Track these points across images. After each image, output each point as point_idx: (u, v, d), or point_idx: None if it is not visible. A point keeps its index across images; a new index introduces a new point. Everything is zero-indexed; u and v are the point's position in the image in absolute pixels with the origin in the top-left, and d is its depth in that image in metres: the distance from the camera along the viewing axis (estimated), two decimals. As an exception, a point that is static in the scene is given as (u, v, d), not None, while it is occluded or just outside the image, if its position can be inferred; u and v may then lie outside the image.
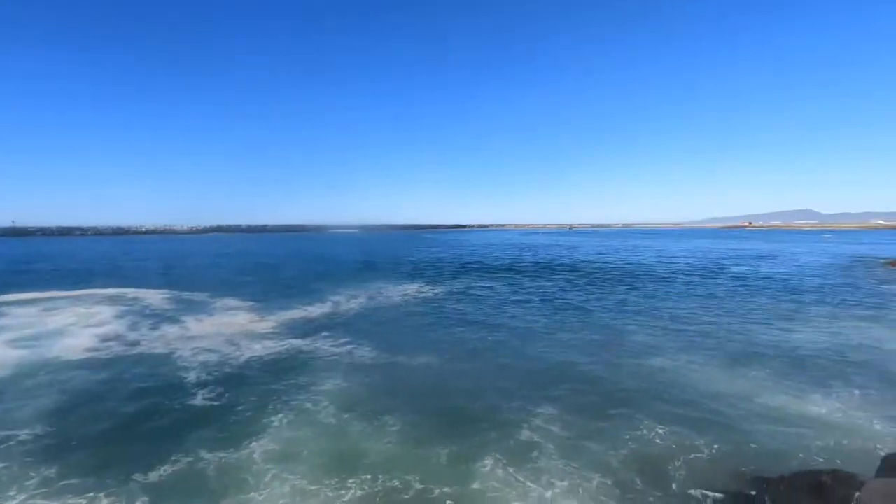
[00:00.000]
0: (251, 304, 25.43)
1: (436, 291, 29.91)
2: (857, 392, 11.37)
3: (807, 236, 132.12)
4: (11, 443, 9.56)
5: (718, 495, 7.23)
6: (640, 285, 31.69)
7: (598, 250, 71.64)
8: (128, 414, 11.16)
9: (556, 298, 26.85)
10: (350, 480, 8.37)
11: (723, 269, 42.22)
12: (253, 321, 20.98)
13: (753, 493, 6.86)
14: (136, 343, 17.36)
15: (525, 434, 9.87)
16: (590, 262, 50.79)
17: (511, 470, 8.47)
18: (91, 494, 7.76)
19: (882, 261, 45.62)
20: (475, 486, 8.07)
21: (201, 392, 12.39)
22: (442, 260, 55.53)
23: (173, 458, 8.96)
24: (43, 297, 27.74)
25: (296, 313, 22.85)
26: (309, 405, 11.57)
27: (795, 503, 5.83)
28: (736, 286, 30.70)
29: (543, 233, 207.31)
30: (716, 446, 8.94)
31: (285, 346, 16.73)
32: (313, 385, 12.87)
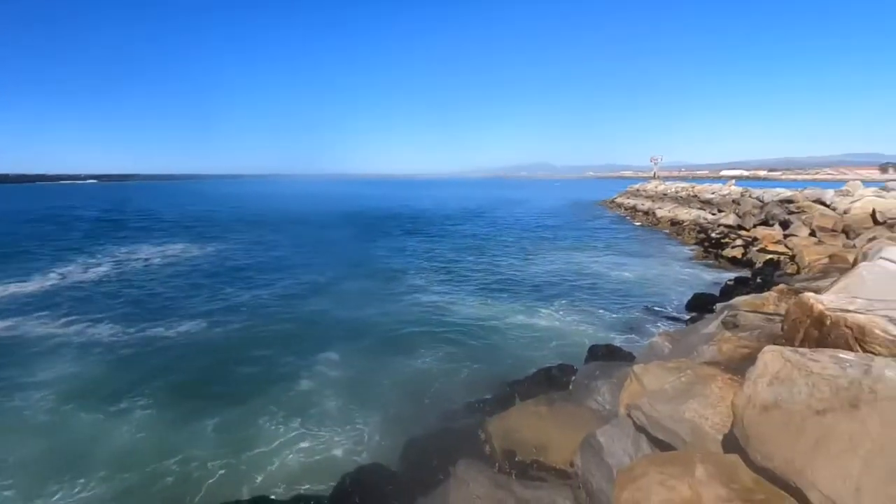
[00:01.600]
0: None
1: (205, 251, 26.29)
2: (572, 305, 14.25)
3: (544, 183, 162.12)
4: None
5: (485, 398, 8.14)
6: (415, 231, 33.85)
7: (380, 198, 74.43)
8: None
9: (336, 248, 26.64)
10: (80, 481, 6.71)
11: (484, 213, 48.40)
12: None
13: (508, 390, 8.00)
14: None
15: (304, 384, 9.36)
16: (371, 210, 52.27)
17: (291, 424, 7.99)
18: None
19: (594, 202, 59.18)
20: (253, 450, 7.32)
21: None
22: (233, 212, 49.38)
23: None
24: None
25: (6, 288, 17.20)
26: (18, 403, 8.87)
27: (535, 394, 7.01)
28: (491, 228, 35.37)
29: (327, 183, 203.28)
30: (477, 364, 10.06)
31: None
32: (25, 377, 9.88)
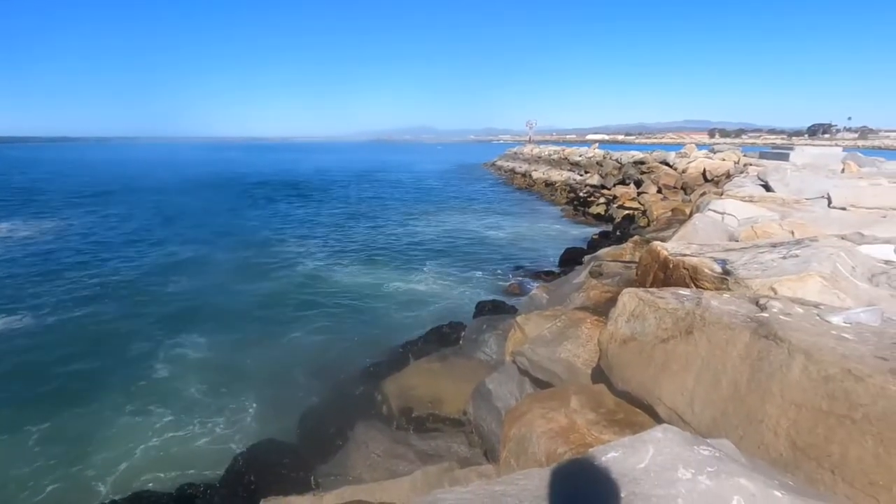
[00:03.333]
0: None
1: (40, 228, 22.14)
2: (457, 265, 14.63)
3: (427, 147, 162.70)
4: None
5: (379, 363, 8.15)
6: (292, 197, 32.26)
7: (258, 165, 68.88)
8: None
9: (199, 219, 24.29)
10: None
11: (366, 177, 47.65)
12: None
13: (401, 352, 8.17)
14: None
15: (164, 372, 8.36)
16: (242, 176, 48.34)
17: (155, 415, 7.15)
18: None
19: (478, 165, 61.17)
20: (114, 448, 6.54)
21: None
22: (71, 183, 41.53)
23: None
24: None
25: None
26: None
27: (428, 353, 7.29)
28: (373, 193, 34.97)
29: (190, 147, 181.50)
30: (367, 331, 9.94)
31: None
32: None
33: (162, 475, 6.05)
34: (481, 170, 55.15)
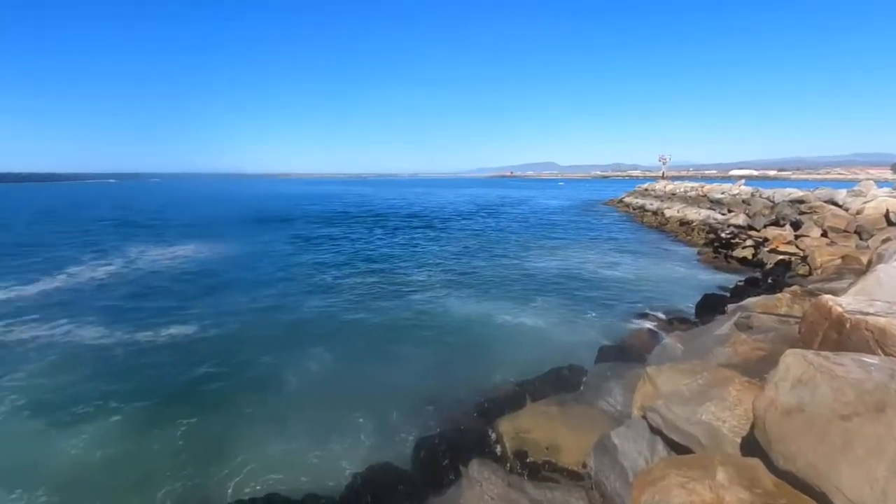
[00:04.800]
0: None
1: (217, 251, 26.36)
2: (580, 305, 14.04)
3: (549, 183, 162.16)
4: None
5: (494, 399, 8.05)
6: (423, 229, 34.00)
7: (388, 198, 74.53)
8: None
9: (345, 246, 26.75)
10: (30, 493, 6.63)
11: (491, 211, 48.47)
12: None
13: (518, 390, 7.97)
14: None
15: (292, 386, 9.11)
16: (379, 208, 52.52)
17: (282, 427, 7.74)
18: None
19: (600, 202, 58.89)
20: (248, 453, 7.20)
21: None
22: (226, 213, 49.65)
23: None
24: None
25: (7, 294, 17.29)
26: None
27: (546, 395, 7.00)
28: (496, 226, 35.36)
29: (333, 182, 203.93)
30: (483, 364, 9.81)
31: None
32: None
33: (282, 483, 6.49)
34: (606, 207, 52.95)
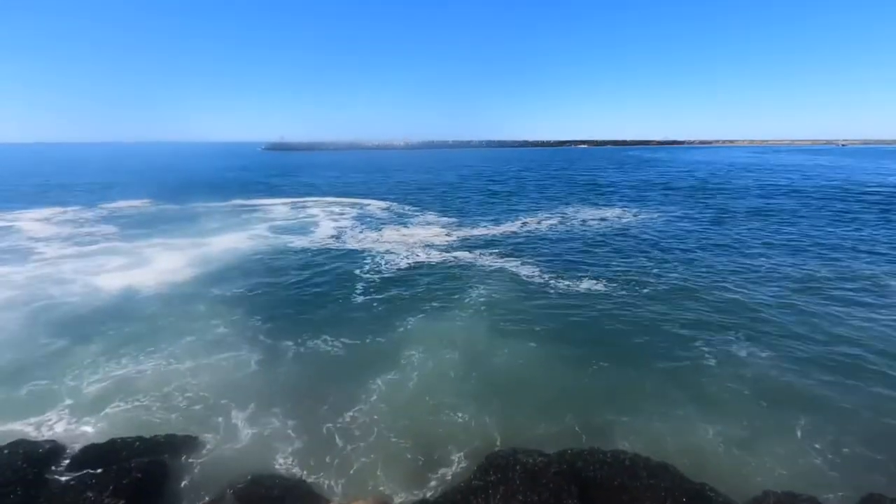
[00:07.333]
0: (445, 220, 27.73)
1: (651, 216, 27.97)
2: None
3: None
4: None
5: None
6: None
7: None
8: (306, 289, 14.80)
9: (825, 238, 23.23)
10: (484, 375, 9.34)
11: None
12: (436, 234, 23.31)
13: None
14: (340, 239, 21.84)
15: (713, 369, 9.78)
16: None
17: (698, 406, 8.59)
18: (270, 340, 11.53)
19: None
20: (622, 412, 8.42)
21: (363, 285, 15.08)
22: (663, 180, 51.34)
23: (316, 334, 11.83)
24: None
25: (480, 230, 24.01)
26: (455, 308, 12.74)
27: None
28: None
29: (791, 150, 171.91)
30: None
31: (452, 257, 18.15)
32: (466, 290, 13.96)
33: (670, 458, 7.16)
34: None
